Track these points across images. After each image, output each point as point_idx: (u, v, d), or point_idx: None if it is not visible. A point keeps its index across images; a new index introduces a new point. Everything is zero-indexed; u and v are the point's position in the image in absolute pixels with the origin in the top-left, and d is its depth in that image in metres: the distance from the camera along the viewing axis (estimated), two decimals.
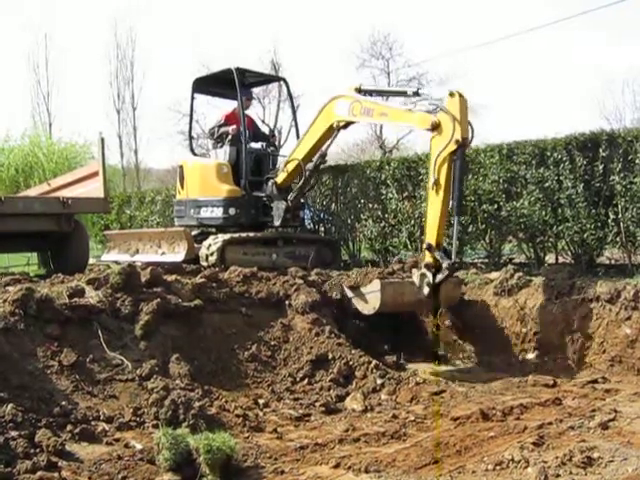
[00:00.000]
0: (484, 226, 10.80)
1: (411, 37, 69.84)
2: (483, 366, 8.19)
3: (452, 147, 7.72)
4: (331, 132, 10.05)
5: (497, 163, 10.50)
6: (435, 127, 7.92)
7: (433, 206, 7.89)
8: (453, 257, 7.81)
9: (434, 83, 38.76)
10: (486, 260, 11.17)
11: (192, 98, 12.60)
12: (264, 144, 12.19)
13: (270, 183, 11.25)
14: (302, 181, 10.86)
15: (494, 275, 9.24)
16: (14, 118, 62.97)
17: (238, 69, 11.69)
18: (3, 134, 25.22)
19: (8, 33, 75.08)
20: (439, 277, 7.67)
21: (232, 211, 11.31)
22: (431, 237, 7.79)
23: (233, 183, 11.47)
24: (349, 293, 8.47)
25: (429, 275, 7.72)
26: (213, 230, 11.46)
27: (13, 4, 70.47)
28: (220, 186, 11.46)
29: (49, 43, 41.54)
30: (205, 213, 11.63)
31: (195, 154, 13.21)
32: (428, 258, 7.79)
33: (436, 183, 7.85)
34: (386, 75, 39.77)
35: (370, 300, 8.24)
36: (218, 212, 11.44)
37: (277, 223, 11.20)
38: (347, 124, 9.85)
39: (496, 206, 10.55)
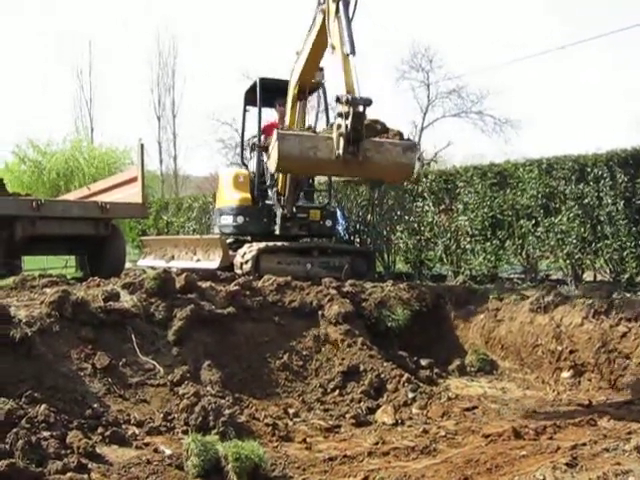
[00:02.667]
0: (521, 241, 10.68)
1: (452, 50, 69.76)
2: (516, 383, 8.07)
3: None
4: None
5: (536, 178, 10.40)
6: None
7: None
8: (356, 92, 7.15)
9: (474, 96, 38.59)
10: (522, 276, 11.04)
11: (244, 110, 12.58)
12: None
13: (273, 191, 11.28)
14: (288, 186, 10.78)
15: (530, 291, 9.12)
16: (57, 123, 63.99)
17: (262, 79, 11.70)
18: (46, 138, 25.60)
19: (54, 39, 76.43)
20: (349, 122, 6.97)
21: (240, 219, 11.41)
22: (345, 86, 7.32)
23: (249, 192, 11.56)
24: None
25: (342, 124, 7.04)
26: (249, 238, 11.49)
27: (59, 11, 71.85)
28: (233, 195, 11.67)
29: (93, 50, 42.14)
30: (223, 221, 11.80)
31: (244, 164, 13.23)
32: (340, 107, 7.13)
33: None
34: (426, 87, 39.67)
35: (272, 154, 7.46)
36: (229, 220, 11.59)
37: (277, 232, 11.19)
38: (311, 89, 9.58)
39: (534, 221, 10.44)
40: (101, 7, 73.16)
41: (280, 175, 10.69)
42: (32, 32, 68.18)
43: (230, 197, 11.73)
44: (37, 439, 4.70)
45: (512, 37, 72.31)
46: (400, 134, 7.74)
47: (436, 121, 40.06)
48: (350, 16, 8.02)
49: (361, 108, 7.16)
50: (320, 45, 8.70)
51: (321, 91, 11.55)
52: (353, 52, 7.64)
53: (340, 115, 7.14)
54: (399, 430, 6.14)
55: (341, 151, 7.12)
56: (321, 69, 10.72)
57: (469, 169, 11.71)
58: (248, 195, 11.50)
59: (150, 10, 71.22)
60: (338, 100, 7.21)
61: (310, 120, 11.75)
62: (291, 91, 10.21)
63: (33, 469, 4.36)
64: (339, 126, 7.12)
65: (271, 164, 7.74)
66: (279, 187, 11.00)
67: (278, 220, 11.10)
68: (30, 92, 73.03)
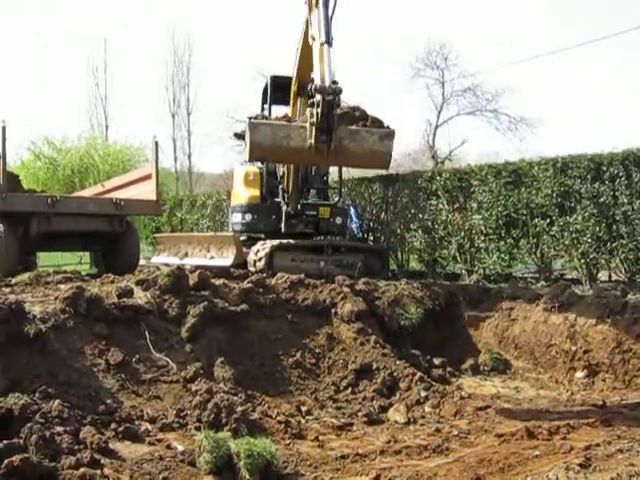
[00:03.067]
0: (535, 240, 10.63)
1: (467, 48, 69.50)
2: (530, 383, 8.03)
3: None
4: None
5: (551, 177, 10.35)
6: None
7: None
8: (327, 81, 7.19)
9: (489, 95, 38.39)
10: (537, 275, 10.99)
11: (262, 109, 12.56)
12: None
13: (280, 187, 11.30)
14: (292, 183, 10.80)
15: (544, 290, 9.08)
16: (71, 120, 64.30)
17: (274, 77, 11.70)
18: (61, 135, 25.71)
19: (69, 36, 76.79)
20: (319, 110, 7.04)
21: (248, 217, 11.48)
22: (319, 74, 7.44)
23: (259, 190, 11.59)
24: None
25: (314, 112, 7.08)
26: (262, 236, 11.50)
27: (73, 9, 72.17)
28: (243, 192, 11.74)
29: (108, 47, 42.26)
30: (234, 219, 11.89)
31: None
32: (314, 97, 7.20)
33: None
34: (440, 85, 39.52)
35: (247, 144, 7.47)
36: (239, 217, 11.68)
37: (283, 229, 11.19)
38: None
39: (549, 220, 10.39)
40: (117, 5, 73.31)
41: (286, 172, 10.70)
42: (46, 29, 68.37)
43: (240, 195, 11.84)
44: (51, 434, 4.72)
45: (526, 36, 71.88)
46: (379, 121, 7.73)
47: (451, 119, 39.83)
48: (330, 7, 8.15)
49: (330, 97, 7.21)
50: (308, 38, 8.67)
51: None
52: (328, 41, 7.75)
53: (312, 104, 7.21)
54: (411, 429, 6.13)
55: (312, 140, 7.18)
56: None
57: (483, 167, 11.68)
58: (257, 193, 11.53)
59: (165, 8, 71.21)
60: (309, 89, 7.32)
61: None
62: (292, 87, 10.24)
63: (47, 464, 4.38)
64: (311, 115, 7.17)
65: (246, 153, 7.75)
66: (284, 184, 11.01)
67: (283, 217, 11.12)
68: (45, 89, 73.22)
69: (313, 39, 8.10)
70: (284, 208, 11.09)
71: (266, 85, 12.09)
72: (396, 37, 73.78)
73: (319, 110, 7.12)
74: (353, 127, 7.55)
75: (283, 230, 11.19)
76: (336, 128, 7.28)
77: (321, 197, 11.68)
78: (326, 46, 7.71)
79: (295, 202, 11.00)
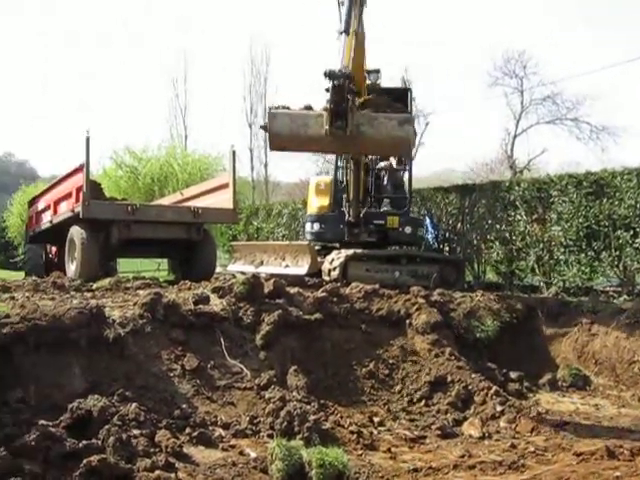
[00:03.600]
0: (618, 253, 10.30)
1: (547, 55, 68.21)
2: (611, 401, 7.77)
3: None
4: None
5: (635, 187, 10.02)
6: None
7: None
8: (342, 68, 7.37)
9: (570, 103, 37.56)
10: (619, 289, 10.64)
11: None
12: (377, 160, 11.95)
13: (344, 197, 11.29)
14: (352, 190, 10.67)
15: (627, 305, 8.78)
16: (152, 129, 65.91)
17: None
18: (142, 145, 26.29)
19: (151, 49, 78.89)
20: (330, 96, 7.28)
21: (317, 226, 11.53)
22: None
23: (329, 199, 11.61)
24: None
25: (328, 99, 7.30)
26: (337, 245, 11.51)
27: (156, 23, 74.06)
28: (314, 202, 11.83)
29: (188, 58, 43.09)
30: (306, 228, 12.02)
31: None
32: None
33: None
34: (519, 94, 38.88)
35: (269, 133, 7.73)
36: (309, 227, 11.78)
37: (346, 238, 11.11)
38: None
39: (632, 232, 10.05)
40: (197, 18, 74.94)
41: (347, 180, 10.65)
42: (132, 45, 70.35)
43: (312, 204, 11.96)
44: (127, 436, 4.82)
45: (608, 42, 70.15)
46: (401, 109, 7.91)
47: (530, 128, 39.15)
48: (357, 3, 8.34)
49: (339, 81, 7.38)
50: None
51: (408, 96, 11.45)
52: (345, 30, 7.98)
53: (327, 90, 7.38)
54: (486, 444, 6.00)
55: (327, 126, 7.33)
56: (377, 71, 10.67)
57: (564, 177, 11.39)
58: (326, 202, 11.54)
59: (243, 19, 72.35)
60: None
61: None
62: None
63: (123, 465, 4.48)
64: (326, 101, 7.37)
65: (268, 143, 8.01)
66: (347, 193, 10.99)
67: (344, 226, 11.09)
68: (129, 101, 75.32)
69: (340, 33, 8.28)
70: (346, 217, 11.05)
71: None
72: (475, 45, 73.00)
73: (331, 95, 7.31)
74: (372, 113, 7.61)
75: (346, 239, 11.16)
76: (353, 113, 7.42)
77: (395, 206, 11.54)
78: (344, 35, 7.92)
79: (355, 211, 10.89)
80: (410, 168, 12.16)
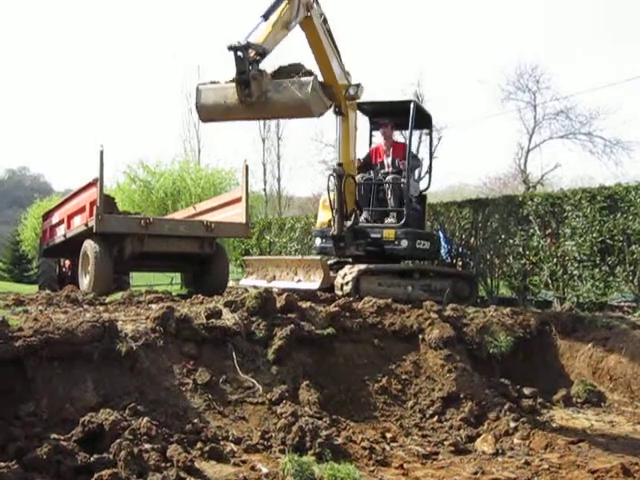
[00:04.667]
0: (633, 268, 10.23)
1: (560, 70, 68.21)
2: (626, 417, 7.69)
3: None
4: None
5: None
6: None
7: None
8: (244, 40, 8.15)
9: (583, 117, 37.50)
10: (634, 304, 10.57)
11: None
12: (380, 173, 11.87)
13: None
14: (336, 204, 10.74)
15: None
16: (166, 144, 66.31)
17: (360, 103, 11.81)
18: (155, 159, 26.45)
19: (164, 64, 79.41)
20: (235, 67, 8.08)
21: (318, 241, 11.62)
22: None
23: (331, 214, 11.48)
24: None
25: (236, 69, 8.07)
26: (349, 260, 11.49)
27: (168, 37, 74.59)
28: (320, 217, 11.96)
29: (201, 73, 43.31)
30: (314, 243, 12.14)
31: None
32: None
33: None
34: (532, 108, 38.87)
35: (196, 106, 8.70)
36: (315, 242, 11.96)
37: (334, 253, 11.14)
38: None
39: None
40: (210, 32, 75.36)
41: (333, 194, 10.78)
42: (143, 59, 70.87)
43: (318, 219, 12.07)
44: (139, 451, 4.81)
45: (623, 56, 70.09)
46: (309, 72, 8.60)
47: (543, 143, 39.10)
48: None
49: (239, 52, 8.16)
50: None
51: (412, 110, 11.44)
52: (263, 15, 8.81)
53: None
54: (499, 460, 5.95)
55: (236, 95, 8.21)
56: (357, 85, 10.82)
57: (577, 192, 11.35)
58: (327, 218, 11.47)
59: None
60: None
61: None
62: None
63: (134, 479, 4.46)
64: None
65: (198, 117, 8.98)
66: (331, 206, 10.93)
67: (330, 241, 11.08)
68: (143, 116, 75.78)
69: None
70: (330, 232, 11.00)
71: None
72: (488, 59, 73.06)
73: (235, 66, 8.11)
74: (279, 80, 8.39)
75: (334, 254, 11.18)
76: (257, 80, 8.21)
77: (404, 220, 11.40)
78: (261, 19, 8.76)
79: (339, 225, 10.78)
80: (426, 180, 12.25)
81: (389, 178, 11.39)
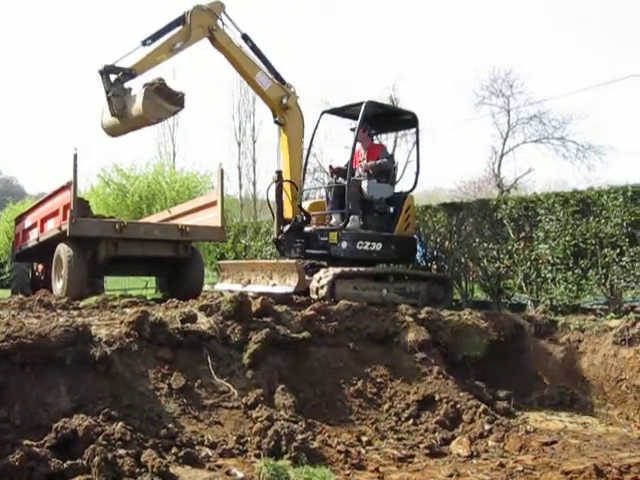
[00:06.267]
0: (605, 271, 10.34)
1: (533, 74, 68.79)
2: (599, 419, 7.77)
3: None
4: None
5: (621, 206, 10.06)
6: None
7: None
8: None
9: (556, 122, 37.85)
10: (606, 307, 10.67)
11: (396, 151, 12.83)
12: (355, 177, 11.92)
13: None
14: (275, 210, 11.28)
15: (614, 323, 8.81)
16: (141, 147, 65.81)
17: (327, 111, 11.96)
18: (130, 162, 26.24)
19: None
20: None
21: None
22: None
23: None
24: None
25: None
26: (324, 263, 11.49)
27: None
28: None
29: (177, 75, 43.04)
30: None
31: None
32: None
33: None
34: (506, 113, 39.14)
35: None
36: None
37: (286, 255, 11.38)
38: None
39: (619, 250, 10.09)
40: None
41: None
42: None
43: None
44: (113, 456, 4.78)
45: (599, 60, 70.92)
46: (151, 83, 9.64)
47: (516, 147, 39.39)
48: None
49: (103, 75, 9.57)
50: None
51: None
52: (142, 42, 9.98)
53: None
54: (474, 462, 5.98)
55: (109, 111, 9.66)
56: (288, 96, 11.26)
57: (550, 196, 11.44)
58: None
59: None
60: None
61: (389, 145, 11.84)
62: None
63: None
64: None
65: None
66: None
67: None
68: None
69: None
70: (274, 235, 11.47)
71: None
72: (461, 64, 73.58)
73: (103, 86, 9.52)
74: (133, 94, 9.67)
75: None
76: (117, 98, 9.56)
77: (366, 224, 11.48)
78: (140, 44, 9.98)
79: (277, 229, 11.25)
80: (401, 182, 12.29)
81: (340, 181, 11.59)
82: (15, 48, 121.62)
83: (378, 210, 11.46)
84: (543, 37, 73.44)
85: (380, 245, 11.22)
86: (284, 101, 11.17)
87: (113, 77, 9.65)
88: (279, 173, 11.18)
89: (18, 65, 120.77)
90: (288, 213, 11.17)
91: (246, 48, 10.95)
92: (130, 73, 9.71)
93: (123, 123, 9.85)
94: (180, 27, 10.13)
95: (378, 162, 11.58)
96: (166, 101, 9.73)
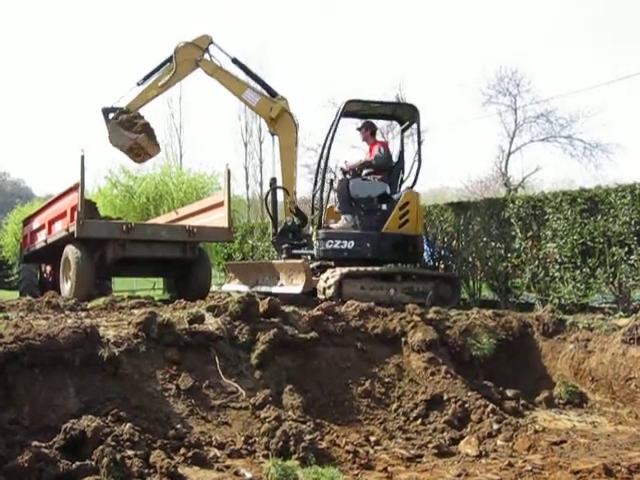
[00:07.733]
0: (613, 269, 10.30)
1: (540, 73, 68.62)
2: (608, 418, 7.73)
3: None
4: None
5: (629, 204, 10.03)
6: None
7: None
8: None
9: (563, 120, 37.74)
10: (614, 305, 10.63)
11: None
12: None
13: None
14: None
15: (623, 321, 8.77)
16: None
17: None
18: (137, 164, 26.30)
19: (144, 69, 78.99)
20: None
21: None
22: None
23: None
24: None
25: None
26: (332, 263, 11.48)
27: (147, 41, 74.29)
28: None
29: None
30: None
31: None
32: None
33: None
34: (513, 112, 39.07)
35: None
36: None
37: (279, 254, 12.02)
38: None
39: (627, 249, 10.06)
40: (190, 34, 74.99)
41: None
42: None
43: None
44: (122, 457, 4.78)
45: (602, 59, 70.67)
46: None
47: (524, 146, 39.30)
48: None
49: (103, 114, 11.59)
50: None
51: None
52: (137, 83, 11.85)
53: None
54: (483, 462, 5.96)
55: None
56: (271, 108, 12.21)
57: (558, 195, 11.41)
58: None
59: (238, 37, 72.75)
60: None
61: (395, 144, 12.15)
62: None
63: None
64: None
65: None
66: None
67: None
68: None
69: None
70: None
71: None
72: (469, 63, 73.44)
73: None
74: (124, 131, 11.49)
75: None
76: (112, 132, 11.55)
77: (324, 223, 11.63)
78: (135, 84, 11.89)
79: (272, 230, 12.18)
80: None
81: (328, 180, 11.86)
82: (23, 52, 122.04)
83: (365, 208, 11.40)
84: (549, 35, 73.34)
85: (352, 243, 11.17)
86: (271, 115, 12.03)
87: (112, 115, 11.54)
88: (274, 180, 12.20)
89: (26, 68, 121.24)
90: (281, 216, 12.14)
91: (238, 70, 12.30)
92: (126, 112, 11.50)
93: (125, 154, 11.95)
94: (168, 64, 11.57)
95: (364, 160, 11.71)
96: (127, 130, 11.44)
